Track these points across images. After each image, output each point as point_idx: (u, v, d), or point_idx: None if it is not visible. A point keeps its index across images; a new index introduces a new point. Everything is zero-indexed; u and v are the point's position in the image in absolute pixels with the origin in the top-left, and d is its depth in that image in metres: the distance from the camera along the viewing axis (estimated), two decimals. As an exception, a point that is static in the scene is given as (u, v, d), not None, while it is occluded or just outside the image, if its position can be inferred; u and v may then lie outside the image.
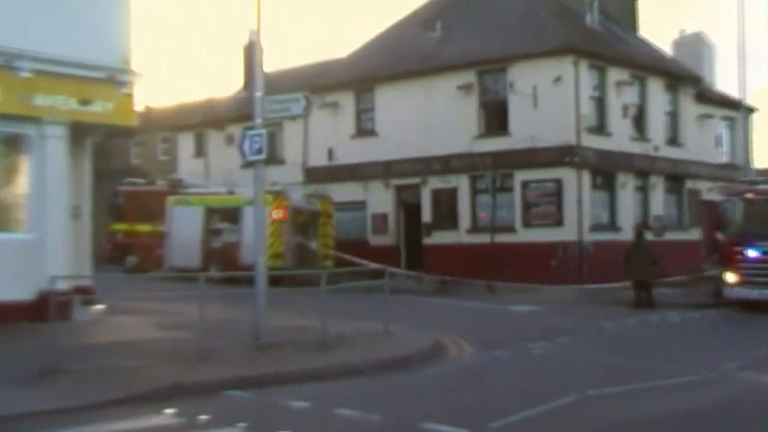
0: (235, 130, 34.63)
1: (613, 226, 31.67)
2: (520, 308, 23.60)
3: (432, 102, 32.89)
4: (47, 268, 15.70)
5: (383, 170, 34.44)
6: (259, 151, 15.04)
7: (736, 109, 35.00)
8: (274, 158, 33.03)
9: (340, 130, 35.86)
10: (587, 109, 30.71)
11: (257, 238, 15.62)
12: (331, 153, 36.33)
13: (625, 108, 32.54)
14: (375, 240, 34.56)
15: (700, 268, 29.77)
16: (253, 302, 14.67)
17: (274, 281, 15.80)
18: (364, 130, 35.60)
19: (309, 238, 30.24)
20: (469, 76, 31.93)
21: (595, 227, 30.58)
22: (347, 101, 35.85)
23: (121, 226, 35.77)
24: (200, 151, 43.19)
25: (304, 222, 29.97)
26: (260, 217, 16.03)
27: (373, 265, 24.07)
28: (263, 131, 15.08)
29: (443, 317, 20.88)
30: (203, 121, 43.40)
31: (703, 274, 28.32)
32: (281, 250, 28.19)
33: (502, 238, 29.90)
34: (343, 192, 34.23)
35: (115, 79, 17.65)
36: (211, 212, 30.88)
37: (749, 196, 23.65)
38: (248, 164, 15.65)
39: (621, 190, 32.22)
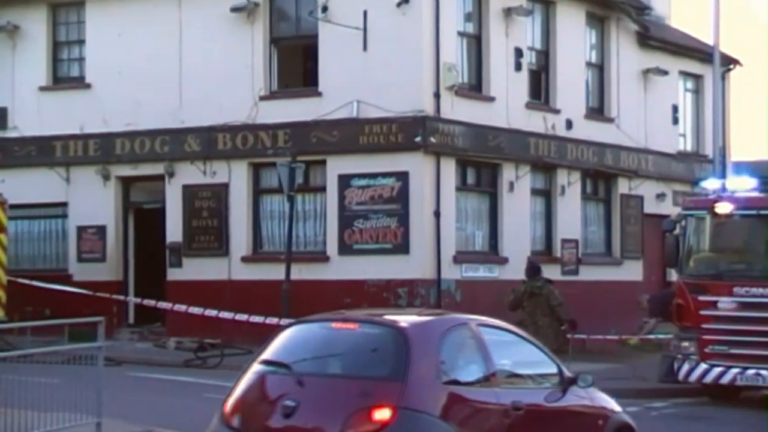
0: None
1: (494, 254, 28.18)
2: None
3: (187, 33, 28.55)
4: None
5: (99, 150, 29.93)
6: None
7: (706, 61, 32.50)
8: None
9: (22, 76, 30.83)
10: (453, 55, 27.36)
11: None
12: (4, 116, 31.25)
13: (518, 55, 28.74)
14: (83, 272, 30.08)
15: (641, 328, 27.27)
16: None
17: None
18: (65, 77, 31.26)
19: (-39, 267, 27.33)
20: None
21: (465, 257, 27.30)
22: (35, 24, 30.83)
23: None
24: None
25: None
26: None
27: (79, 316, 19.54)
28: None
29: (200, 411, 16.57)
30: None
31: (648, 338, 26.51)
32: None
33: (307, 272, 26.75)
34: (25, 186, 29.53)
35: None
36: None
37: (721, 209, 20.94)
38: None
39: (508, 194, 28.50)
